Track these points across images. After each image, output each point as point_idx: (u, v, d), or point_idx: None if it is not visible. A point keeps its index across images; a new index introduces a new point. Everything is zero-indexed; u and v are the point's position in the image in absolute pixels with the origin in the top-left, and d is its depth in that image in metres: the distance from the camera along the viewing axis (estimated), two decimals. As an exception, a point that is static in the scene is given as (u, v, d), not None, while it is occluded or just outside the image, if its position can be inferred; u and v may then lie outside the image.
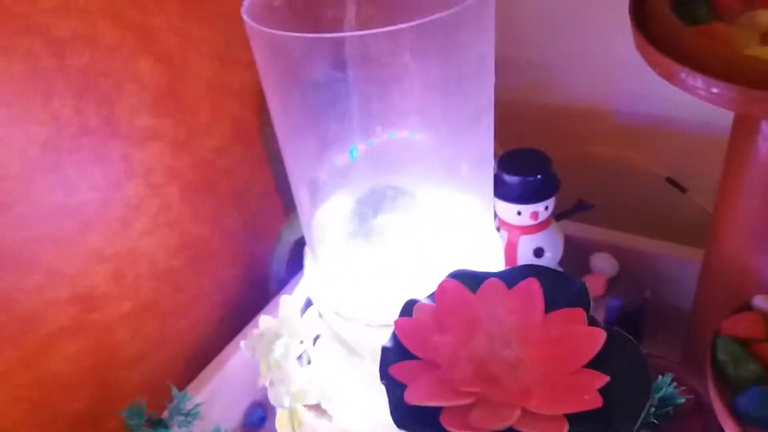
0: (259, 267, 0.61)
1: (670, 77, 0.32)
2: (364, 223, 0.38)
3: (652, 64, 0.33)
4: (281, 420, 0.38)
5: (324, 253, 0.37)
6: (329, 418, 0.41)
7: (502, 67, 0.34)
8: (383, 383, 0.29)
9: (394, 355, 0.30)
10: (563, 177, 0.47)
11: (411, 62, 0.30)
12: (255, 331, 0.39)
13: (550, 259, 0.47)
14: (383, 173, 0.39)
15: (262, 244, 0.61)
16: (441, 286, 0.32)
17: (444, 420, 0.27)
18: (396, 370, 0.29)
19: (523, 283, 0.32)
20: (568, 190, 0.48)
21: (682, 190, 0.54)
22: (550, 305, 0.31)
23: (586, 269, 0.51)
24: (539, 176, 0.44)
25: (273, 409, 0.51)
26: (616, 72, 0.59)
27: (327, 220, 0.39)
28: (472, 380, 0.27)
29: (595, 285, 0.48)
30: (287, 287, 0.55)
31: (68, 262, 0.45)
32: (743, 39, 0.32)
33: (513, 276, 0.33)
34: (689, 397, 0.36)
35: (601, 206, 0.52)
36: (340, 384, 0.40)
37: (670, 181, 0.55)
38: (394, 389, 0.28)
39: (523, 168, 0.44)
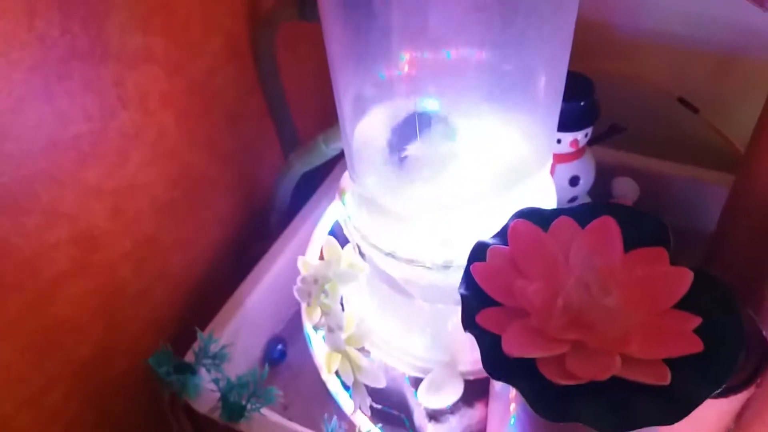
0: (257, 195, 0.57)
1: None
2: (398, 158, 0.36)
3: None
4: (330, 362, 0.37)
5: (366, 178, 0.34)
6: (365, 353, 0.40)
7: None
8: (472, 333, 0.28)
9: (475, 303, 0.29)
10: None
11: None
12: (305, 277, 0.37)
13: (584, 187, 0.46)
14: (432, 93, 0.36)
15: (258, 172, 0.57)
16: (513, 227, 0.31)
17: (543, 369, 0.26)
18: (483, 318, 0.28)
19: (598, 222, 0.31)
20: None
21: (695, 110, 0.54)
22: (627, 245, 0.30)
23: (607, 192, 0.51)
24: (583, 102, 0.42)
25: (292, 343, 0.50)
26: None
27: (367, 137, 0.36)
28: (569, 327, 0.27)
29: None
30: (297, 219, 0.53)
31: (66, 201, 0.41)
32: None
33: (584, 213, 0.32)
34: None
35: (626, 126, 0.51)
36: (380, 321, 0.39)
37: (681, 101, 0.54)
38: (485, 339, 0.28)
39: (567, 93, 0.42)
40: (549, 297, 0.28)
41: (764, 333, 0.35)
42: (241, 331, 0.45)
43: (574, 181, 0.45)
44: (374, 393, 0.40)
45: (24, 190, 0.38)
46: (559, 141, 0.43)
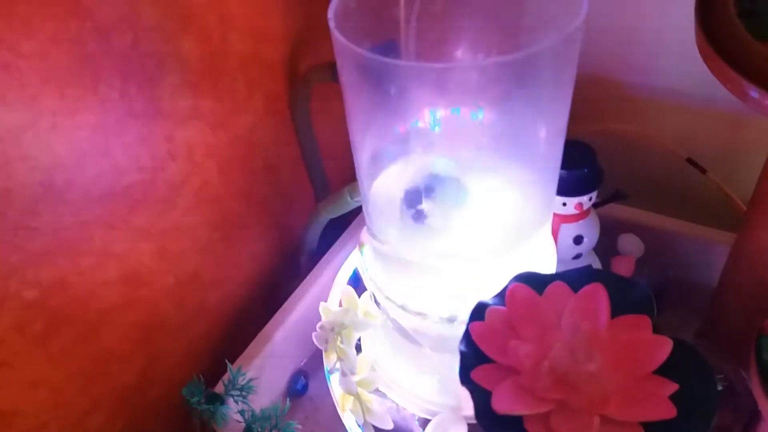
0: (289, 238, 0.62)
1: (740, 95, 0.33)
2: (413, 214, 0.39)
3: (720, 77, 0.34)
4: (344, 402, 0.40)
5: (381, 232, 0.38)
6: (380, 393, 0.44)
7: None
8: (467, 388, 0.31)
9: (472, 359, 0.32)
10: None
11: (491, 89, 0.31)
12: (323, 324, 0.41)
13: (587, 245, 0.49)
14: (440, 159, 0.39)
15: (291, 215, 0.62)
16: (511, 290, 0.34)
17: (529, 426, 0.29)
18: (478, 374, 0.31)
19: (588, 288, 0.34)
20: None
21: (702, 171, 0.56)
22: (614, 310, 0.33)
23: (613, 248, 0.53)
24: (586, 169, 0.45)
25: (313, 376, 0.54)
26: (633, 46, 0.59)
27: (383, 193, 0.39)
28: (554, 388, 0.30)
29: (625, 267, 0.51)
30: (322, 261, 0.57)
31: (118, 243, 0.46)
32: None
33: (577, 278, 0.35)
34: (725, 383, 0.39)
35: (622, 185, 0.53)
36: (392, 365, 0.42)
37: (690, 161, 0.56)
38: (478, 394, 0.31)
39: (571, 161, 0.45)
40: (539, 358, 0.31)
41: (753, 392, 0.37)
42: (267, 365, 0.49)
43: (578, 240, 0.48)
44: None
45: (81, 234, 0.43)
46: (564, 204, 0.47)
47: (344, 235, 0.58)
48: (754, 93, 0.32)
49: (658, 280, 0.52)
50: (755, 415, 0.37)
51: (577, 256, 0.49)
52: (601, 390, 0.30)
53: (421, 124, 0.37)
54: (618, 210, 0.56)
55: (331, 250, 0.57)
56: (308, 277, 0.55)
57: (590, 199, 0.47)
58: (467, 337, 0.33)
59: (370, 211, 0.38)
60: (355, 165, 0.38)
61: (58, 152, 0.40)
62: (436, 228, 0.38)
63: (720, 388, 0.38)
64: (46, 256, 0.41)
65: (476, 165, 0.37)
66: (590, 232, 0.48)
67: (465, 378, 0.31)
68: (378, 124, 0.34)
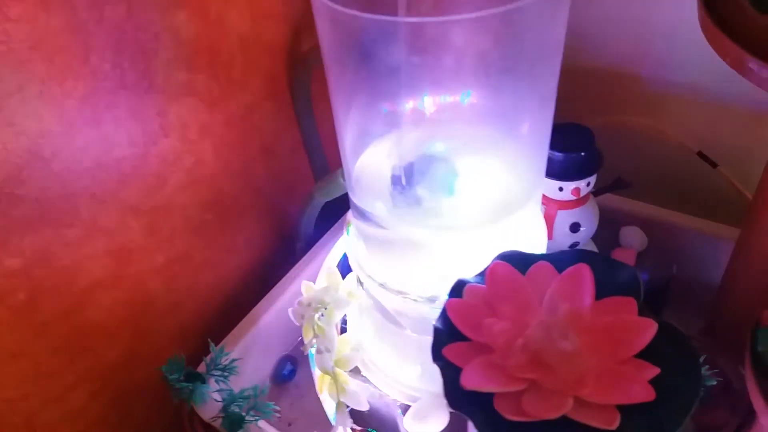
0: (287, 223, 0.61)
1: (739, 67, 0.32)
2: (403, 192, 0.38)
3: (720, 51, 0.33)
4: (322, 384, 0.39)
5: (366, 206, 0.37)
6: (363, 378, 0.42)
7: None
8: (437, 364, 0.30)
9: (446, 336, 0.31)
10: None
11: (476, 50, 0.29)
12: (301, 300, 0.40)
13: (585, 234, 0.47)
14: (430, 139, 0.38)
15: (289, 201, 0.61)
16: (491, 268, 0.33)
17: (498, 405, 0.28)
18: (449, 351, 0.30)
19: (573, 269, 0.32)
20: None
21: (713, 165, 0.54)
22: (600, 292, 0.31)
23: (615, 240, 0.52)
24: (583, 153, 0.44)
25: (302, 363, 0.53)
26: (648, 37, 0.58)
27: (368, 168, 0.38)
28: (527, 367, 0.28)
29: (625, 259, 0.49)
30: (316, 246, 0.56)
31: (106, 217, 0.45)
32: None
33: (563, 259, 0.33)
34: (720, 379, 0.38)
35: (628, 177, 0.52)
36: (376, 349, 0.41)
37: (701, 155, 0.54)
38: (448, 370, 0.29)
39: (567, 144, 0.44)
40: (513, 336, 0.29)
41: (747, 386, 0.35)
42: (253, 347, 0.49)
43: (574, 227, 0.46)
44: (368, 417, 0.42)
45: (67, 205, 0.42)
46: (561, 189, 0.45)
47: (340, 221, 0.57)
48: (753, 65, 0.30)
49: (661, 275, 0.50)
50: (751, 414, 0.35)
51: (574, 245, 0.47)
52: (577, 371, 0.28)
53: (405, 99, 0.36)
54: (622, 202, 0.54)
55: (326, 235, 0.56)
56: (301, 261, 0.54)
57: (588, 185, 0.45)
58: (443, 314, 0.32)
59: (354, 187, 0.37)
60: (339, 141, 0.37)
61: (46, 120, 0.40)
62: (428, 207, 0.37)
63: (714, 383, 0.36)
64: (31, 225, 0.41)
65: (462, 138, 0.36)
66: (588, 220, 0.47)
67: (437, 355, 0.30)
68: (362, 96, 0.33)
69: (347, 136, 0.36)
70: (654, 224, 0.52)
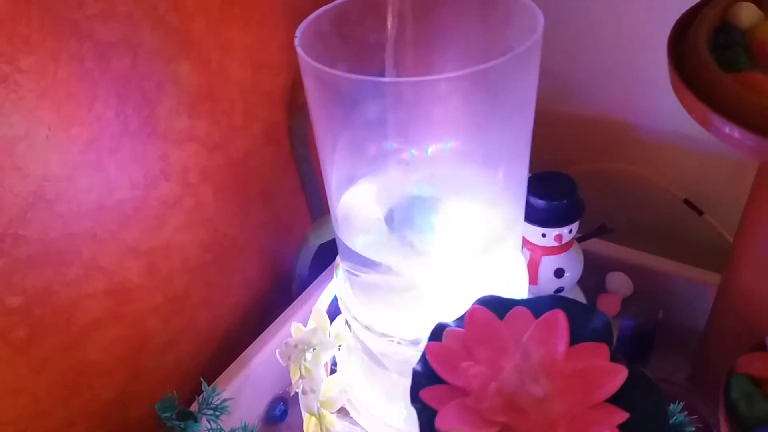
0: (283, 264, 0.62)
1: (704, 123, 0.33)
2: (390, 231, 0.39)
3: (687, 108, 0.34)
4: (308, 425, 0.40)
5: (350, 243, 0.38)
6: (351, 420, 0.43)
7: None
8: (414, 407, 0.31)
9: (424, 379, 0.32)
10: (580, 190, 0.48)
11: (458, 104, 0.31)
12: (290, 341, 0.41)
13: (570, 279, 0.48)
14: (412, 182, 0.40)
15: (287, 243, 0.62)
16: (470, 312, 0.34)
17: (472, 447, 0.29)
18: (426, 394, 0.31)
19: (549, 315, 0.33)
20: (584, 206, 0.49)
21: (699, 212, 0.55)
22: (575, 337, 0.32)
23: (601, 285, 0.53)
24: (565, 201, 0.45)
25: (294, 404, 0.54)
26: (637, 87, 0.59)
27: (353, 208, 0.39)
28: (500, 410, 0.29)
29: (610, 305, 0.50)
30: (310, 288, 0.57)
31: (106, 257, 0.47)
32: (779, 91, 0.33)
33: (540, 305, 0.34)
34: (699, 425, 0.38)
35: (616, 224, 0.53)
36: (363, 391, 0.42)
37: (687, 202, 0.56)
38: (425, 413, 0.30)
39: (550, 192, 0.45)
40: (488, 380, 0.30)
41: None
42: (245, 387, 0.49)
43: (558, 273, 0.48)
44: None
45: (69, 245, 0.44)
46: (543, 235, 0.46)
47: (335, 262, 0.59)
48: (716, 121, 0.32)
49: (647, 321, 0.50)
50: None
51: (559, 290, 0.49)
52: (548, 415, 0.29)
53: (387, 142, 0.37)
54: (608, 248, 0.55)
55: (319, 277, 0.58)
56: (295, 302, 0.56)
57: (570, 232, 0.47)
58: (423, 357, 0.33)
59: (339, 225, 0.39)
60: (324, 180, 0.39)
61: (51, 164, 0.42)
62: (411, 243, 0.38)
63: (692, 429, 0.37)
64: (32, 265, 0.42)
65: (442, 182, 0.37)
66: (572, 265, 0.48)
67: (414, 398, 0.31)
68: (345, 143, 0.35)
69: (332, 177, 0.38)
70: (640, 270, 0.53)
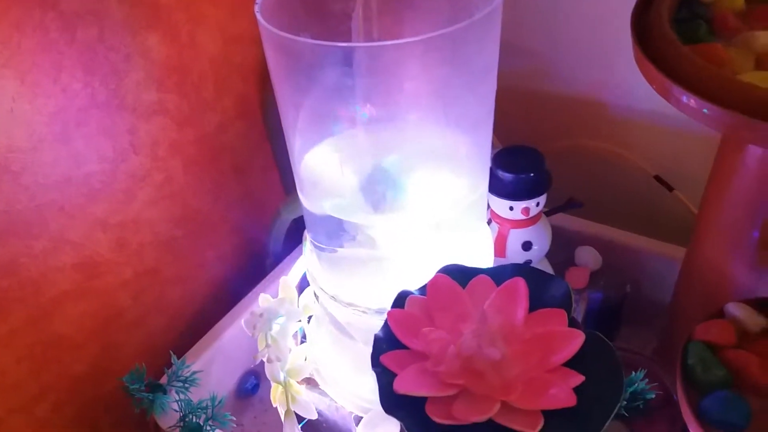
0: (257, 240, 0.62)
1: (664, 94, 0.34)
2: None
3: (648, 78, 0.35)
4: (275, 393, 0.41)
5: (312, 206, 0.38)
6: (320, 391, 0.43)
7: (502, 52, 0.35)
8: (374, 371, 0.31)
9: (386, 345, 0.32)
10: (553, 166, 0.49)
11: (418, 70, 0.31)
12: (255, 310, 0.41)
13: (538, 252, 0.49)
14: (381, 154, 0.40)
15: (260, 218, 0.62)
16: (433, 280, 0.34)
17: (429, 409, 0.29)
18: (387, 358, 0.31)
19: (509, 282, 0.34)
20: (556, 180, 0.49)
21: (669, 188, 0.56)
22: (535, 304, 0.33)
23: (571, 260, 0.53)
24: (532, 174, 0.46)
25: (266, 378, 0.54)
26: (615, 66, 0.60)
27: (315, 169, 0.39)
28: (458, 373, 0.30)
29: (578, 278, 0.50)
30: (283, 263, 0.57)
31: (74, 230, 0.47)
32: (738, 61, 0.34)
33: (502, 273, 0.35)
34: (659, 392, 0.39)
35: (588, 199, 0.54)
36: (332, 362, 0.42)
37: (657, 179, 0.56)
38: (384, 377, 0.31)
39: (517, 165, 0.46)
40: (448, 345, 0.31)
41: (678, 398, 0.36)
42: (216, 361, 0.50)
43: (526, 245, 0.48)
44: (325, 430, 0.43)
45: (35, 218, 0.44)
46: (511, 208, 0.47)
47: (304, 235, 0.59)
48: (676, 92, 0.32)
49: (615, 294, 0.51)
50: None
51: (527, 263, 0.49)
52: (504, 378, 0.29)
53: (351, 108, 0.37)
54: (578, 223, 0.56)
55: (293, 252, 0.58)
56: (267, 276, 0.56)
57: (537, 205, 0.47)
58: (385, 323, 0.33)
59: (303, 187, 0.39)
60: (288, 146, 0.39)
61: (15, 136, 0.41)
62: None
63: (653, 396, 0.38)
64: (-3, 236, 0.42)
65: (407, 147, 0.37)
66: (540, 238, 0.48)
67: (375, 362, 0.31)
68: (307, 110, 0.35)
69: (296, 142, 0.38)
70: (609, 245, 0.53)
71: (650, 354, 0.49)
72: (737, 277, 0.40)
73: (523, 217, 0.47)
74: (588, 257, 0.52)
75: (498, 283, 0.34)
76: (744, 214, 0.39)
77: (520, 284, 0.33)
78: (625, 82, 0.60)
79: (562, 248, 0.52)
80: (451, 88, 0.33)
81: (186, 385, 0.44)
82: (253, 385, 0.52)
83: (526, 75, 0.65)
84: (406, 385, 0.29)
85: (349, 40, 0.39)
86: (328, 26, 0.37)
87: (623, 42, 0.58)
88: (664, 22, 0.35)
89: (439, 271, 0.35)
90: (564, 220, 0.53)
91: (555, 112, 0.65)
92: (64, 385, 0.49)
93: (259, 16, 0.31)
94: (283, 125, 0.38)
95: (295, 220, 0.54)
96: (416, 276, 0.35)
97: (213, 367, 0.49)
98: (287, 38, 0.30)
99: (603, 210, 0.55)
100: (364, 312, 0.37)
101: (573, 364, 0.30)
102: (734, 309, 0.36)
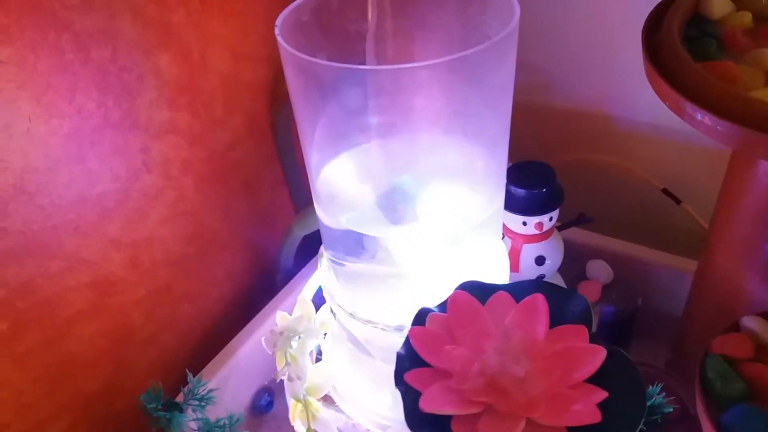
0: (267, 257, 0.63)
1: (677, 111, 0.34)
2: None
3: (661, 95, 0.35)
4: (294, 412, 0.41)
5: (335, 222, 0.39)
6: (336, 409, 0.44)
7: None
8: (399, 389, 0.31)
9: (408, 362, 0.32)
10: (561, 181, 0.49)
11: (436, 90, 0.32)
12: (275, 328, 0.41)
13: (551, 267, 0.49)
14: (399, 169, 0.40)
15: (270, 235, 0.63)
16: (452, 297, 0.35)
17: (455, 427, 0.29)
18: (410, 377, 0.31)
19: (529, 298, 0.34)
20: (565, 195, 0.50)
21: (677, 201, 0.56)
22: (555, 320, 0.33)
23: (582, 273, 0.53)
24: (545, 189, 0.46)
25: (280, 394, 0.54)
26: (617, 79, 0.60)
27: (334, 184, 0.40)
28: (483, 391, 0.30)
29: (590, 291, 0.51)
30: (295, 279, 0.57)
31: (88, 250, 0.47)
32: (749, 79, 0.34)
33: (521, 289, 0.35)
34: (676, 406, 0.39)
35: (597, 213, 0.54)
36: (349, 379, 0.43)
37: (665, 192, 0.57)
38: (409, 395, 0.31)
39: (530, 181, 0.46)
40: (470, 361, 0.31)
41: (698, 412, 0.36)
42: (231, 378, 0.50)
43: (539, 260, 0.48)
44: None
45: (51, 238, 0.44)
46: (524, 223, 0.47)
47: (319, 252, 0.59)
48: (689, 109, 0.32)
49: (626, 308, 0.51)
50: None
51: (540, 277, 0.49)
52: (529, 395, 0.30)
53: (368, 127, 0.37)
54: (589, 236, 0.56)
55: (305, 268, 0.58)
56: (280, 293, 0.56)
57: (550, 220, 0.47)
58: (407, 341, 0.33)
59: (323, 204, 0.39)
60: (305, 161, 0.39)
61: (31, 156, 0.41)
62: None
63: (670, 410, 0.38)
64: (14, 257, 0.42)
65: (424, 168, 0.38)
66: (553, 253, 0.49)
67: (399, 380, 0.32)
68: (324, 128, 0.35)
69: (312, 158, 0.38)
70: (620, 258, 0.54)
71: (663, 367, 0.49)
72: (750, 290, 0.40)
73: (537, 232, 0.47)
74: (599, 271, 0.52)
75: (517, 299, 0.34)
76: (756, 227, 0.40)
77: (540, 300, 0.33)
78: (628, 95, 0.61)
79: (572, 262, 0.52)
80: (469, 106, 0.33)
81: (203, 404, 0.44)
82: (267, 402, 0.53)
83: (528, 90, 0.66)
84: (432, 403, 0.30)
85: (364, 60, 0.40)
86: (343, 46, 0.38)
87: (624, 55, 0.59)
88: (676, 40, 0.36)
89: (458, 288, 0.35)
90: (574, 233, 0.54)
91: (558, 127, 0.65)
92: (78, 404, 0.49)
93: (279, 38, 0.32)
94: (300, 140, 0.38)
95: (305, 236, 0.54)
96: (434, 292, 0.36)
97: (228, 384, 0.49)
98: (306, 60, 0.31)
99: (612, 223, 0.55)
100: (383, 329, 0.37)
101: (594, 379, 0.31)
102: (750, 322, 0.37)
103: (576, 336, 0.32)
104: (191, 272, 0.56)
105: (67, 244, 0.45)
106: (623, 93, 0.61)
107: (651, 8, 0.40)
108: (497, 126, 0.35)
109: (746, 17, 0.40)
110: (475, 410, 0.30)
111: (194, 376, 0.46)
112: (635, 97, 0.60)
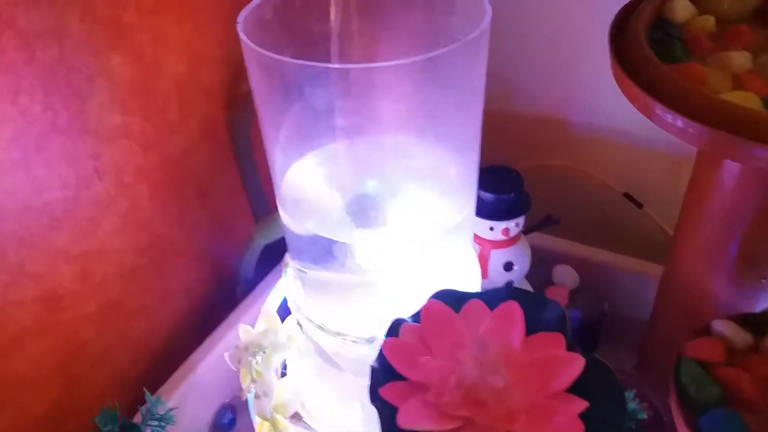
0: (226, 267, 0.60)
1: (646, 112, 0.34)
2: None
3: (629, 97, 0.35)
4: (261, 430, 0.39)
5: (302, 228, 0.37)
6: (305, 425, 0.42)
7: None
8: (374, 405, 0.30)
9: (383, 376, 0.31)
10: (524, 186, 0.49)
11: (405, 91, 0.31)
12: (238, 343, 0.39)
13: (519, 273, 0.49)
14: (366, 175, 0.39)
15: (229, 244, 0.60)
16: (426, 307, 0.33)
17: (434, 443, 0.28)
18: (386, 391, 0.30)
19: (504, 306, 0.33)
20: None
21: (639, 205, 0.57)
22: (530, 328, 0.32)
23: (548, 279, 0.53)
24: (512, 194, 0.46)
25: (242, 411, 0.52)
26: (574, 84, 0.61)
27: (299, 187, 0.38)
28: (461, 404, 0.29)
29: (558, 297, 0.50)
30: (256, 290, 0.55)
31: (34, 262, 0.44)
32: (717, 81, 0.34)
33: (495, 297, 0.34)
34: (650, 412, 0.39)
35: (560, 218, 0.54)
36: (317, 394, 0.41)
37: (627, 196, 0.57)
38: (385, 410, 0.29)
39: (497, 186, 0.46)
40: (447, 373, 0.30)
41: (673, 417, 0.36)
42: (191, 396, 0.47)
43: (508, 266, 0.48)
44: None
45: (-7, 249, 0.41)
46: (491, 228, 0.46)
47: (281, 263, 0.57)
48: (658, 110, 0.32)
49: (593, 312, 0.51)
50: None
51: (509, 283, 0.49)
52: (508, 406, 0.29)
53: (335, 128, 0.36)
54: (554, 242, 0.56)
55: (266, 278, 0.56)
56: (241, 304, 0.54)
57: (517, 225, 0.47)
58: (380, 353, 0.32)
59: (287, 206, 0.37)
60: (269, 163, 0.38)
61: (-31, 162, 0.39)
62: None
63: (645, 416, 0.38)
64: (-48, 271, 0.39)
65: (394, 172, 0.36)
66: (520, 258, 0.48)
67: (374, 396, 0.30)
68: (289, 129, 0.34)
69: (276, 158, 0.36)
70: (585, 263, 0.54)
71: (632, 371, 0.49)
72: (718, 293, 0.41)
73: (504, 238, 0.47)
74: (566, 276, 0.52)
75: (491, 307, 0.33)
76: (722, 230, 0.40)
77: (514, 308, 0.32)
78: (586, 100, 0.61)
79: (538, 267, 0.52)
80: (439, 108, 0.32)
81: (162, 424, 0.42)
82: (229, 420, 0.50)
83: (489, 96, 0.65)
84: (410, 420, 0.28)
85: (328, 61, 0.38)
86: (307, 46, 0.36)
87: (581, 60, 0.59)
88: (643, 42, 0.35)
89: (432, 297, 0.34)
90: (539, 239, 0.53)
91: (520, 133, 0.65)
92: (24, 426, 0.46)
93: (242, 35, 0.30)
94: (264, 143, 0.36)
95: (267, 245, 0.52)
96: (406, 302, 0.35)
97: (188, 402, 0.47)
98: (271, 57, 0.29)
99: (575, 228, 0.55)
100: (354, 341, 0.36)
101: (573, 388, 0.30)
102: (721, 326, 0.37)
103: (553, 344, 0.31)
104: (146, 285, 0.53)
105: (10, 256, 0.42)
106: (579, 97, 0.61)
107: (612, 17, 0.40)
108: (468, 129, 0.34)
109: (709, 21, 0.40)
110: (454, 425, 0.28)
111: (152, 394, 0.44)
112: (591, 101, 0.60)
